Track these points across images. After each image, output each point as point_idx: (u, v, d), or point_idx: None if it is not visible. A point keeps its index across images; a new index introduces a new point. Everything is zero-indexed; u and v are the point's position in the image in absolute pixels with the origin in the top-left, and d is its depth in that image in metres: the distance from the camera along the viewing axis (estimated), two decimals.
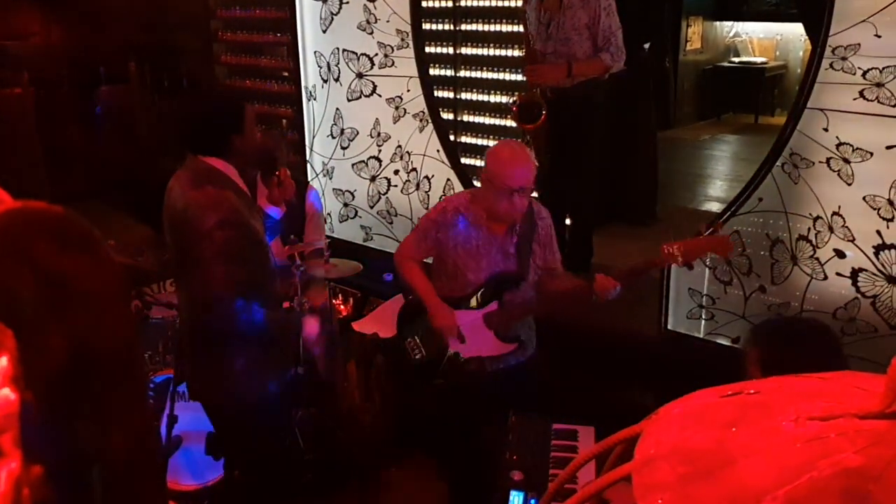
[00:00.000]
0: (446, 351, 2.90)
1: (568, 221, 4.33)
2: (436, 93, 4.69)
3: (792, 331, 1.93)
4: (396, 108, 4.71)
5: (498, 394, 2.85)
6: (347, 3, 4.78)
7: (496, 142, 4.76)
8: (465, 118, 4.93)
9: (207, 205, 2.48)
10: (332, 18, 4.90)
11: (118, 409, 0.84)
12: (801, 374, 1.81)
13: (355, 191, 5.01)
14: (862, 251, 3.10)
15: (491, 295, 2.86)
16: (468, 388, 2.93)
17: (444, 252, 2.91)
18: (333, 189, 5.15)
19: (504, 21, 4.67)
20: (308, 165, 5.24)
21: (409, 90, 4.63)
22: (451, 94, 4.92)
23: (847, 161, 3.08)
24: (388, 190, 4.89)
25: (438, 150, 4.59)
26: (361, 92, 4.86)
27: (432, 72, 4.70)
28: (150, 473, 0.93)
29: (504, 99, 4.72)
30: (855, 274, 3.14)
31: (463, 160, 4.73)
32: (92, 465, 0.82)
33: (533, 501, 2.17)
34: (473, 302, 2.88)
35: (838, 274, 3.18)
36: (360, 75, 4.84)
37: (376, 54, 4.72)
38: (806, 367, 1.82)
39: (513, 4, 4.59)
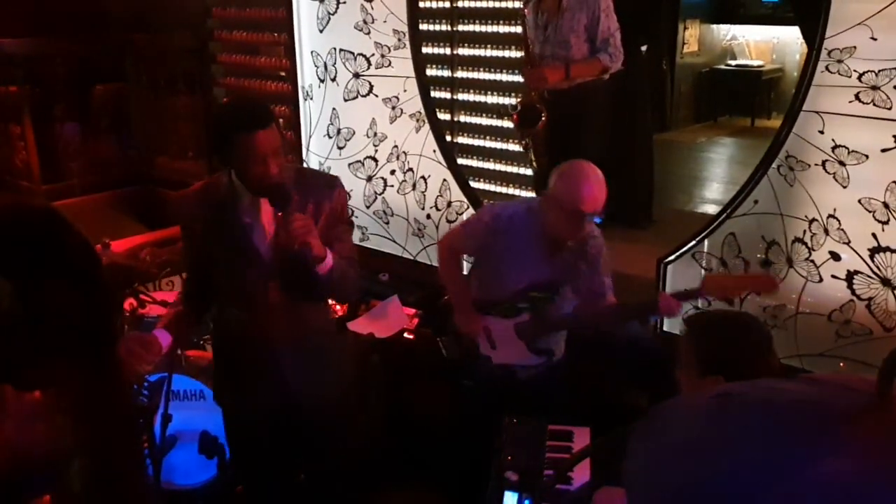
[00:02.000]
0: (477, 354, 2.89)
1: None
2: (432, 93, 4.69)
3: (725, 325, 2.00)
4: (393, 108, 4.71)
5: (528, 401, 2.82)
6: (344, 2, 4.78)
7: (494, 143, 4.80)
8: (462, 119, 4.93)
9: None
10: (329, 18, 4.89)
11: (96, 401, 0.84)
12: (733, 365, 1.84)
13: (351, 191, 5.00)
14: (857, 254, 3.11)
15: (524, 306, 2.82)
16: (498, 394, 2.90)
17: (489, 257, 2.86)
18: None
19: (501, 22, 4.67)
20: (304, 165, 5.23)
21: (405, 90, 4.62)
22: (448, 95, 4.92)
23: (842, 164, 3.08)
24: (384, 190, 4.89)
25: (435, 151, 4.59)
26: (358, 92, 4.85)
27: (429, 72, 4.70)
28: (130, 467, 0.93)
29: (501, 100, 4.72)
30: (850, 276, 3.14)
31: (459, 161, 4.73)
32: (71, 459, 0.82)
33: (527, 502, 2.17)
34: (506, 310, 2.83)
35: (833, 276, 3.18)
36: (356, 75, 4.84)
37: (373, 54, 4.72)
38: (738, 360, 1.90)
39: (510, 5, 4.59)
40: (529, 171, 4.56)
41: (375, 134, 4.83)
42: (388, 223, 4.91)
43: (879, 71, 2.94)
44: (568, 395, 3.00)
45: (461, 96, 4.91)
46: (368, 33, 4.69)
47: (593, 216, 2.65)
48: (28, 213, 0.85)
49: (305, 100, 5.17)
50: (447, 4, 4.80)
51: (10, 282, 0.77)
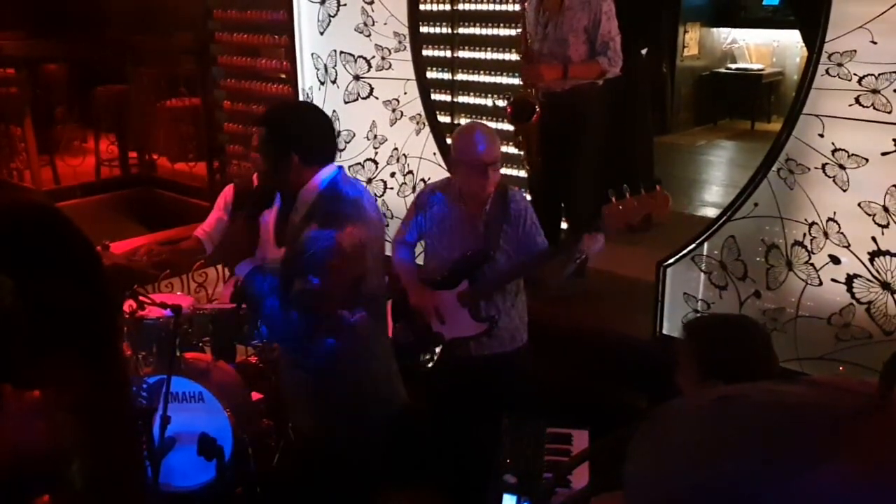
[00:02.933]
0: (430, 332, 2.99)
1: (564, 225, 4.33)
2: (433, 96, 4.69)
3: (725, 328, 2.00)
4: (393, 110, 4.71)
5: (489, 385, 2.94)
6: (345, 5, 4.78)
7: None
8: (462, 121, 4.93)
9: None
10: (330, 20, 4.90)
11: (97, 399, 0.84)
12: (734, 368, 1.83)
13: None
14: (857, 257, 3.11)
15: (461, 274, 2.95)
16: (458, 375, 3.02)
17: (425, 234, 3.06)
18: None
19: (502, 25, 4.68)
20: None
21: (405, 93, 4.62)
22: (449, 98, 4.92)
23: (842, 167, 3.08)
24: (384, 192, 4.89)
25: (435, 153, 4.59)
26: (358, 94, 4.86)
27: (429, 75, 4.71)
28: (130, 465, 0.93)
29: (501, 103, 4.72)
30: (850, 280, 3.14)
31: None
32: (72, 458, 0.82)
33: None
34: (447, 283, 2.97)
35: (833, 280, 3.18)
36: (357, 77, 4.84)
37: (373, 57, 4.72)
38: (738, 363, 1.88)
39: (510, 8, 4.59)
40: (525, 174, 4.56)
41: (376, 136, 4.83)
42: (387, 225, 4.89)
43: (879, 74, 2.94)
44: (529, 380, 3.08)
45: (461, 99, 4.91)
46: (369, 35, 4.69)
47: (493, 165, 2.85)
48: (29, 210, 0.85)
49: None
50: (448, 7, 4.81)
51: (11, 279, 0.77)
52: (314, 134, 2.46)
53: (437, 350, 3.04)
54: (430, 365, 3.04)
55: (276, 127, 2.42)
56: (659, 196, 2.70)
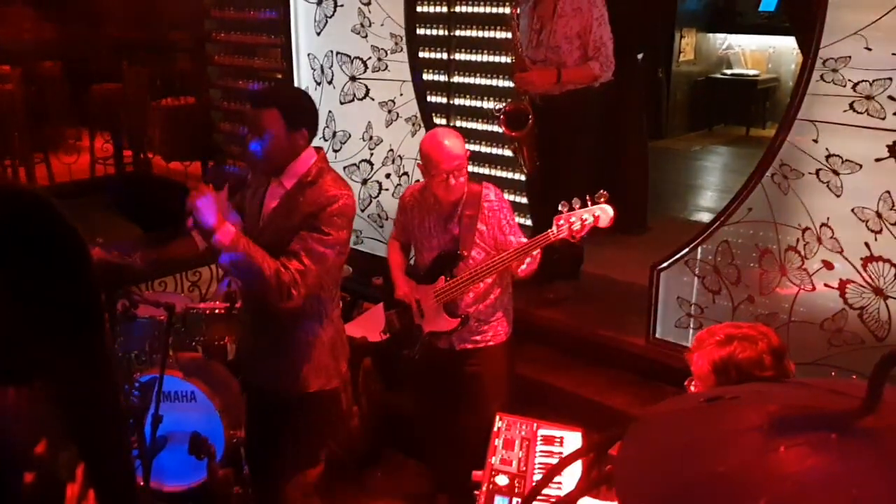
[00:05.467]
0: (414, 323, 3.10)
1: None
2: (429, 98, 4.69)
3: (740, 337, 1.96)
4: (389, 111, 4.71)
5: (469, 377, 3.06)
6: (342, 5, 4.78)
7: (490, 148, 4.80)
8: (458, 123, 4.93)
9: None
10: (327, 21, 4.90)
11: (82, 391, 0.83)
12: (751, 375, 1.81)
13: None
14: (850, 263, 3.11)
15: (437, 271, 3.05)
16: (439, 367, 3.11)
17: (409, 234, 3.19)
18: None
19: (498, 28, 4.68)
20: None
21: (401, 94, 4.63)
22: (444, 100, 4.92)
23: (836, 173, 3.09)
24: (379, 193, 4.89)
25: None
26: (354, 95, 4.85)
27: (425, 77, 4.71)
28: (117, 457, 0.92)
29: (497, 105, 4.72)
30: (843, 285, 3.15)
31: None
32: (57, 451, 0.81)
33: None
34: (427, 279, 3.08)
35: (826, 285, 3.19)
36: (353, 78, 4.84)
37: (370, 58, 4.72)
38: (757, 370, 1.84)
39: (507, 11, 4.59)
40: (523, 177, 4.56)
41: (371, 137, 4.83)
42: (382, 227, 4.90)
43: (873, 81, 2.95)
44: (508, 374, 3.17)
45: (457, 101, 4.91)
46: (366, 37, 4.70)
47: (455, 173, 2.90)
48: (14, 198, 0.84)
49: None
50: (444, 9, 4.81)
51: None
52: (314, 110, 2.66)
53: (420, 343, 3.11)
54: (416, 357, 3.10)
55: (290, 103, 2.53)
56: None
